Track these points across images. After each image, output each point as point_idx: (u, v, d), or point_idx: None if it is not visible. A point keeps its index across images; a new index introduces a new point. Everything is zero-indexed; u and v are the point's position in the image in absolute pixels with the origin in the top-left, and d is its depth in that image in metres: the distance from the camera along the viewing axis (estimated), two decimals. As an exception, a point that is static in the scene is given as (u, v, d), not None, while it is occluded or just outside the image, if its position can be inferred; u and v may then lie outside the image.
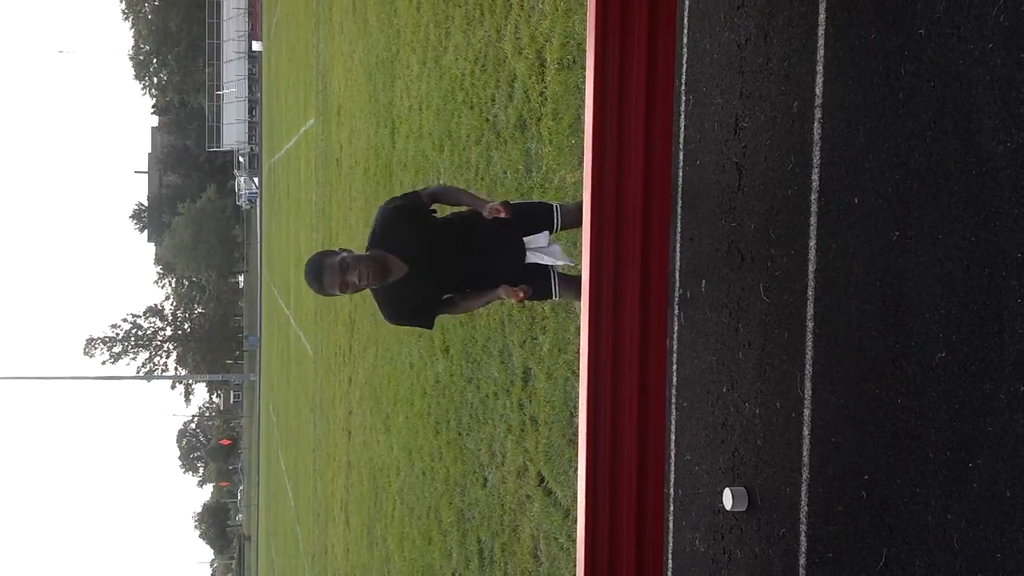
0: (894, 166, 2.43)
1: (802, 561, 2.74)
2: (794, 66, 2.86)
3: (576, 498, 3.43)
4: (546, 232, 4.08)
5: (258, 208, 40.10)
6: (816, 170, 2.74)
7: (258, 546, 37.40)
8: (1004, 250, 2.11)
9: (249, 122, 42.91)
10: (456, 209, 4.21)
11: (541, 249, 4.07)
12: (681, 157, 3.55)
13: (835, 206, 2.65)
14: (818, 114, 2.74)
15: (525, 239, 4.04)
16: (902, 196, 2.40)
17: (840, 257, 2.63)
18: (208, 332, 61.04)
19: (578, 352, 3.65)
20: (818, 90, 2.75)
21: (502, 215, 3.84)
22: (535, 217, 4.12)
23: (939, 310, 2.27)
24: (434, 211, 4.08)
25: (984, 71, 2.17)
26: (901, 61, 2.42)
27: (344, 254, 3.84)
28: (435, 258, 3.93)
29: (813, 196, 2.75)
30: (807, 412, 2.74)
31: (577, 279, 4.21)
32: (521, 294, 3.86)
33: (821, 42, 2.73)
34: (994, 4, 2.15)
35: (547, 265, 4.11)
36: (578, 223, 4.26)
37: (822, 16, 2.73)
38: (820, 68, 2.74)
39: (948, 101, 2.27)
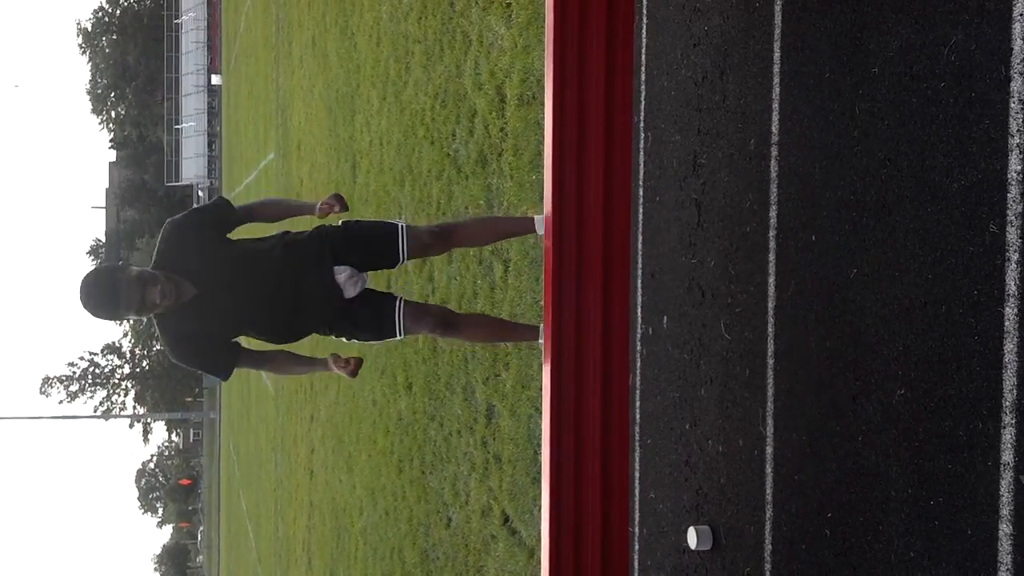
0: (850, 204, 2.45)
1: (767, 600, 2.72)
2: (750, 104, 2.89)
3: (540, 538, 3.38)
4: (348, 269, 3.54)
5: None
6: (774, 207, 2.75)
7: (219, 587, 36.63)
8: (960, 288, 2.12)
9: (209, 156, 42.60)
10: (288, 225, 3.62)
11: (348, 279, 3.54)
12: (641, 193, 3.56)
13: (793, 243, 2.66)
14: (775, 151, 2.76)
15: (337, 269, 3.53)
16: (859, 233, 2.42)
17: (799, 294, 2.63)
18: (167, 369, 60.14)
19: (541, 389, 3.63)
20: (774, 127, 2.77)
21: (336, 209, 3.36)
22: (369, 244, 3.58)
23: (897, 347, 2.28)
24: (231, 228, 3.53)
25: (937, 109, 2.20)
26: (855, 99, 2.44)
27: (137, 268, 3.21)
28: (228, 282, 3.36)
29: (771, 233, 2.76)
30: (769, 450, 2.73)
31: (434, 309, 3.75)
32: (352, 366, 3.46)
33: (776, 80, 2.76)
34: (945, 43, 2.18)
35: (390, 297, 3.66)
36: (431, 251, 3.71)
37: (777, 55, 2.76)
38: (776, 106, 2.76)
39: (902, 139, 2.29)
